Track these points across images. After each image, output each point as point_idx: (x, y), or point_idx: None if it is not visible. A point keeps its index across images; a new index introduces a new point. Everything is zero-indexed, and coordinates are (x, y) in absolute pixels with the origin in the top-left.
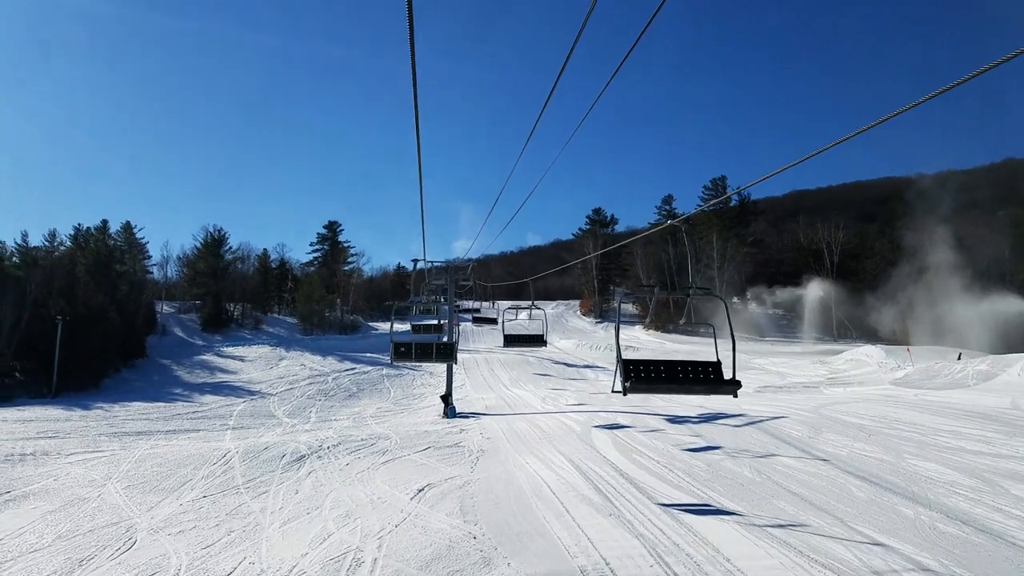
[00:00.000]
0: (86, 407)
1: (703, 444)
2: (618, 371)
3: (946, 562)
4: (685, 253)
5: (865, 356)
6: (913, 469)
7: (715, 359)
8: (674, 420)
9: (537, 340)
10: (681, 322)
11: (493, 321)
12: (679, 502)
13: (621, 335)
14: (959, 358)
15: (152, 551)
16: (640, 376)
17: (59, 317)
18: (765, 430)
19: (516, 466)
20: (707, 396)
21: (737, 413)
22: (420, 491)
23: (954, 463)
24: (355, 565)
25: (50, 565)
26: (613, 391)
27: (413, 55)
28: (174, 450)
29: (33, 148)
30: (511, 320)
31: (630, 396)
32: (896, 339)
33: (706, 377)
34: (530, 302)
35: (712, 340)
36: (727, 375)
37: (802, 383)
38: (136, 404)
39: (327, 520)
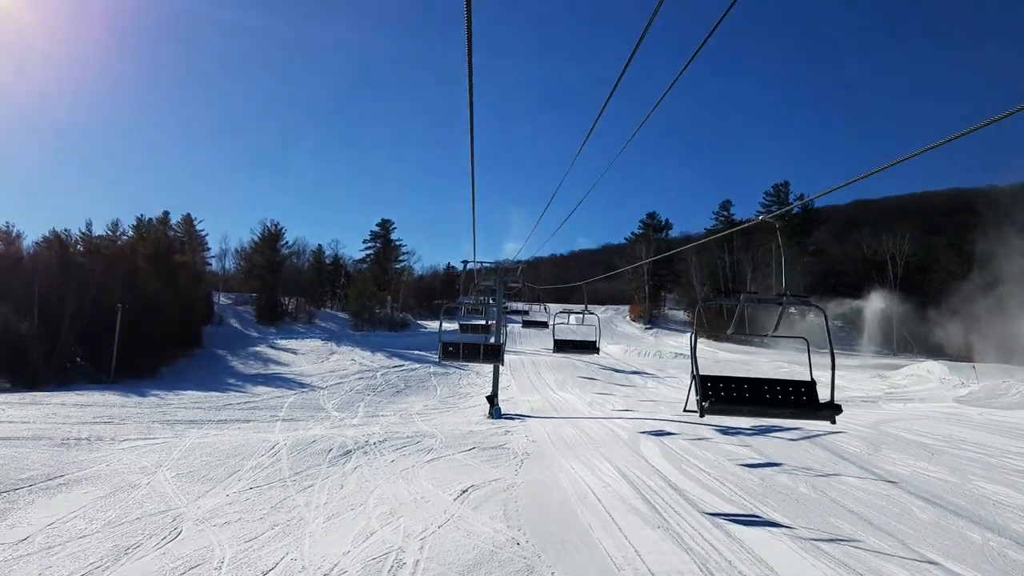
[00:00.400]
0: (142, 394)
1: (757, 457)
2: (694, 388)
3: None
4: (741, 260)
5: (927, 372)
6: (980, 492)
7: (808, 378)
8: (725, 431)
9: (589, 347)
10: (729, 332)
11: (543, 324)
12: (730, 515)
13: (671, 342)
14: None
15: (197, 542)
16: (720, 395)
17: (120, 305)
18: (821, 445)
19: (561, 471)
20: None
21: (792, 427)
22: (464, 492)
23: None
24: (396, 566)
25: (97, 551)
26: (686, 410)
27: (470, 58)
28: (224, 440)
29: (99, 140)
30: (561, 324)
31: (676, 404)
32: (960, 355)
33: (798, 399)
34: (583, 306)
35: (766, 349)
36: (822, 397)
37: (860, 397)
38: (190, 393)
39: (370, 518)
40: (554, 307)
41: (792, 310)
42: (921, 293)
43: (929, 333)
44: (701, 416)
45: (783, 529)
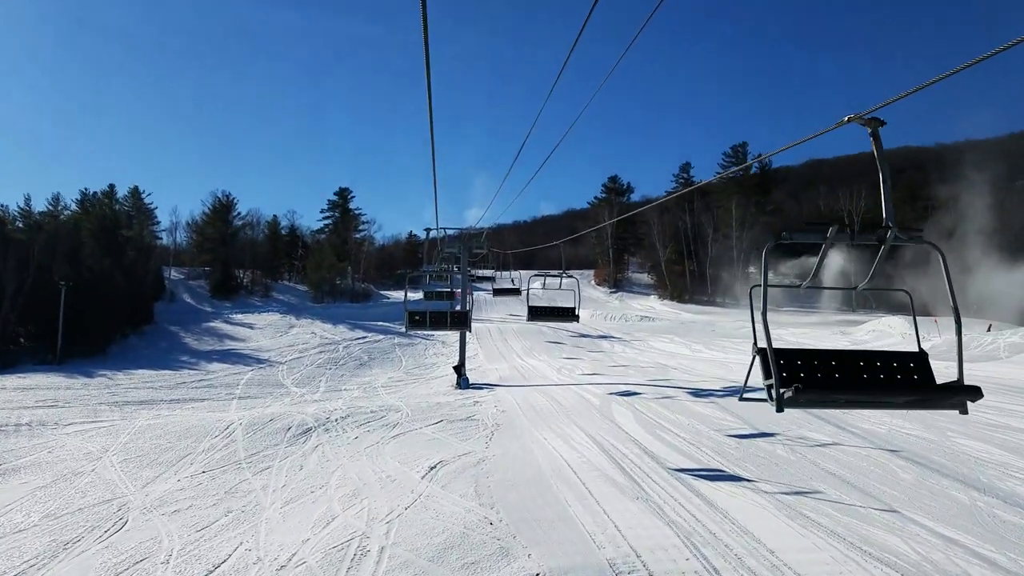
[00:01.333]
0: (89, 374)
1: (730, 420)
2: (758, 366)
3: (1015, 557)
4: (702, 222)
5: (888, 327)
6: (960, 448)
7: (916, 348)
8: (697, 393)
9: (568, 314)
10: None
11: (515, 292)
12: (710, 483)
13: (636, 305)
14: (989, 329)
15: (143, 533)
16: (802, 379)
17: (63, 282)
18: None
19: (533, 442)
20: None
21: (761, 386)
22: (432, 468)
23: (1003, 442)
24: (360, 554)
25: (33, 547)
26: (744, 398)
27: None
28: (176, 421)
29: (37, 114)
30: (537, 289)
31: (646, 369)
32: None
33: (911, 380)
34: (561, 270)
35: (728, 309)
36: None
37: None
38: (141, 372)
39: (332, 500)
40: (525, 273)
41: (751, 269)
42: (878, 249)
43: (886, 288)
44: (779, 410)
45: (764, 496)
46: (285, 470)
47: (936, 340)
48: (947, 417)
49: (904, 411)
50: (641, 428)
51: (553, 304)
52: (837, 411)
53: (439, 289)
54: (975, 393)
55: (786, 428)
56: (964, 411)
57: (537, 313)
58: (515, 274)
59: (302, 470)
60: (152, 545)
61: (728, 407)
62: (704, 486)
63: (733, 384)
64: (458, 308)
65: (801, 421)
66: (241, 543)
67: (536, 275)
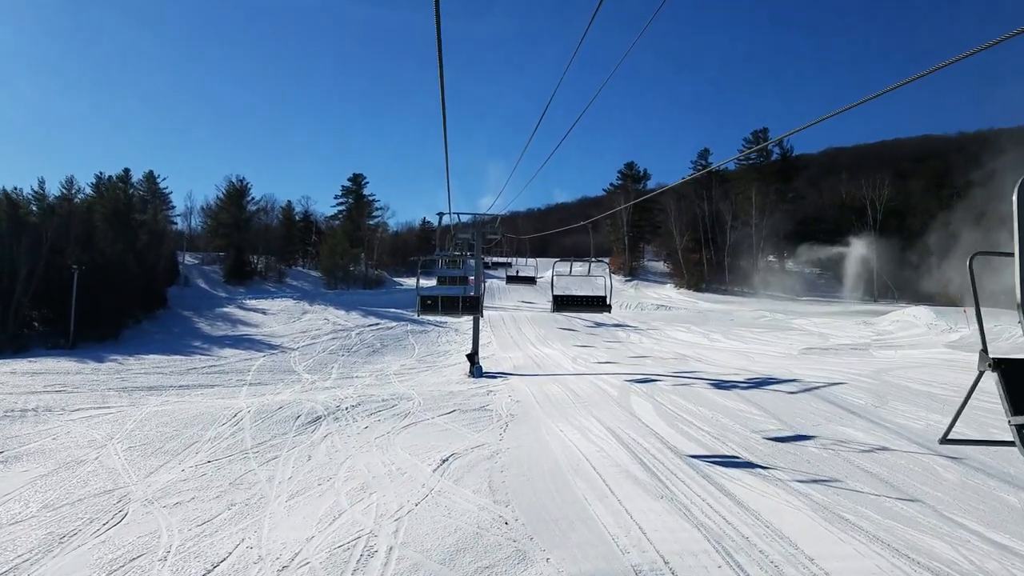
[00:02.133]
0: (100, 359)
1: (756, 413)
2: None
3: None
4: (720, 210)
5: (912, 317)
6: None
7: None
8: (719, 385)
9: (598, 304)
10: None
11: (531, 280)
12: (739, 481)
13: (652, 294)
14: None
15: (142, 527)
16: None
17: (75, 266)
18: (823, 397)
19: (549, 434)
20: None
21: (789, 378)
22: (444, 461)
23: None
24: (367, 555)
25: (28, 541)
26: (947, 440)
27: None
28: (185, 407)
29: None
30: (562, 275)
31: (665, 360)
32: (944, 300)
33: None
34: (590, 256)
35: (746, 299)
36: None
37: (847, 345)
38: (152, 357)
39: (339, 494)
40: (542, 261)
41: (771, 258)
42: (900, 238)
43: (911, 278)
44: None
45: (797, 495)
46: (292, 461)
47: (965, 331)
48: (987, 413)
49: (942, 405)
50: (662, 421)
51: (580, 293)
52: (869, 404)
53: (452, 275)
54: None
55: (816, 423)
56: None
57: (563, 303)
58: (532, 261)
59: (310, 461)
60: (151, 540)
61: (753, 399)
62: (733, 484)
63: (756, 376)
64: (471, 294)
65: (831, 415)
66: (243, 540)
67: (561, 261)
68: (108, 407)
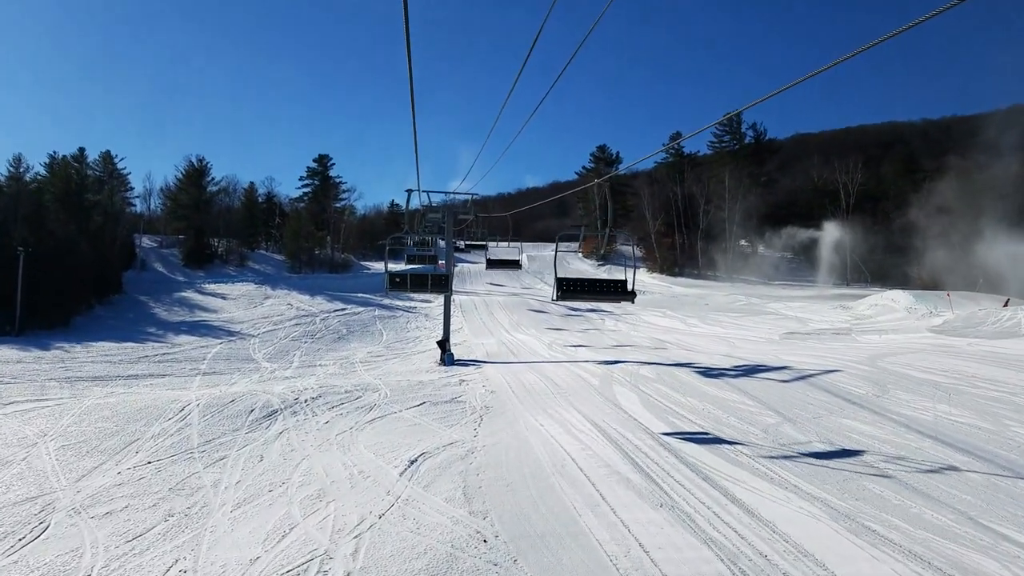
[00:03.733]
0: (45, 347)
1: (748, 403)
2: None
3: None
4: (693, 193)
5: (891, 301)
6: (1020, 438)
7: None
8: (706, 373)
9: (617, 291)
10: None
11: (514, 264)
12: (744, 484)
13: (623, 277)
14: (1006, 304)
15: (64, 542)
16: None
17: (21, 248)
18: (820, 387)
19: (528, 429)
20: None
21: (780, 366)
22: (412, 462)
23: None
24: None
25: None
26: None
27: None
28: (130, 400)
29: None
30: (567, 252)
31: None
32: (922, 284)
33: None
34: (607, 228)
35: (719, 283)
36: None
37: (828, 329)
38: (101, 344)
39: (292, 503)
40: (527, 246)
41: (743, 242)
42: (874, 222)
43: (884, 262)
44: None
45: (814, 502)
46: (242, 461)
47: (948, 316)
48: (995, 402)
49: (947, 395)
50: (649, 413)
51: (582, 276)
52: (869, 394)
53: (422, 254)
54: None
55: (816, 414)
56: None
57: (570, 290)
58: (515, 244)
59: (262, 462)
60: (71, 559)
61: (745, 389)
62: (738, 488)
63: (745, 363)
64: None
65: (831, 407)
66: (177, 560)
67: (566, 233)
68: (46, 399)
